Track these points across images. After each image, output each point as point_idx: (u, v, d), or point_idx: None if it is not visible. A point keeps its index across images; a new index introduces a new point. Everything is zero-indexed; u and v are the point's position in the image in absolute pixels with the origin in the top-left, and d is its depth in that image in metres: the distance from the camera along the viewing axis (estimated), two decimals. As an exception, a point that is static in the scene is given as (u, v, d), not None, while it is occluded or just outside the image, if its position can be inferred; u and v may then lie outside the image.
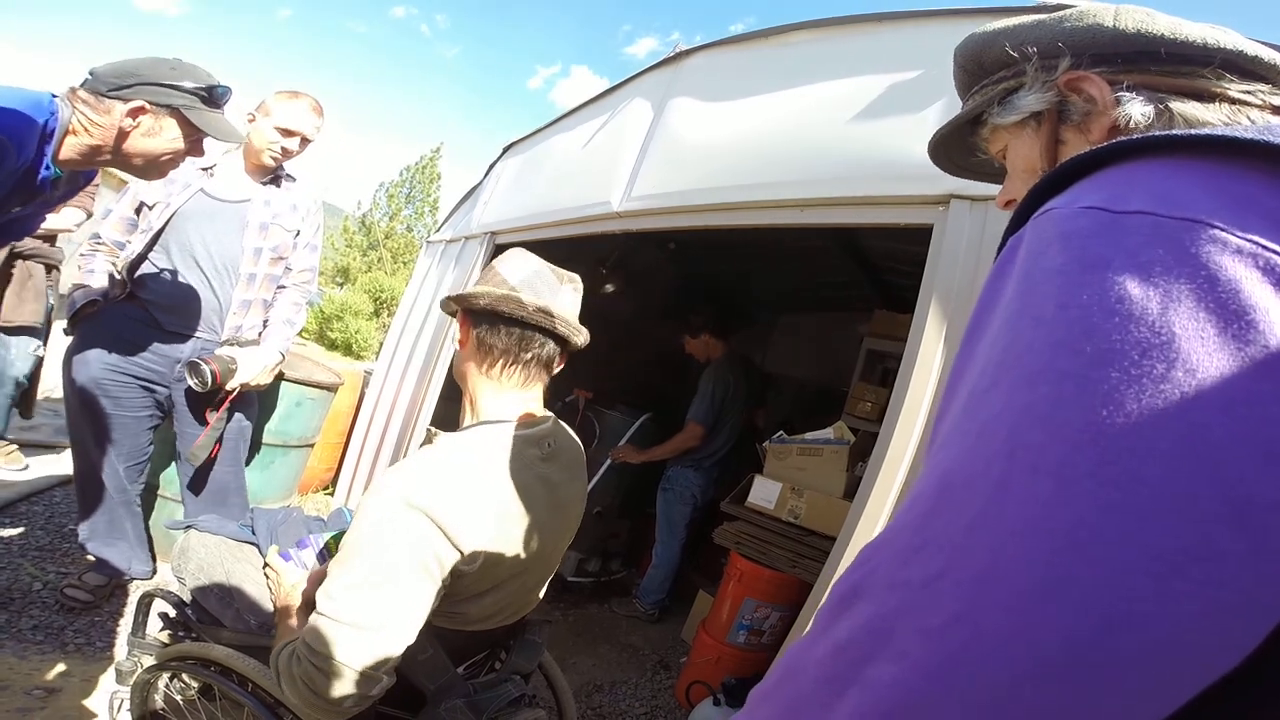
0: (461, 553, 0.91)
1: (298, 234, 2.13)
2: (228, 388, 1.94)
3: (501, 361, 1.08)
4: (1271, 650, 0.30)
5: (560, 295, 1.12)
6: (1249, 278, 0.29)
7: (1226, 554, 0.27)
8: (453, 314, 1.17)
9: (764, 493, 2.52)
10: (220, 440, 2.07)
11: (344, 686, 0.84)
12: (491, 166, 3.70)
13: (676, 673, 2.69)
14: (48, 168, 1.23)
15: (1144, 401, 0.29)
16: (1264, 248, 0.30)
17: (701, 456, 3.17)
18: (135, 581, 2.16)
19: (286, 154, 2.05)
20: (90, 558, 2.06)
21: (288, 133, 2.01)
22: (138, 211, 1.98)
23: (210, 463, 2.08)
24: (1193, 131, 0.36)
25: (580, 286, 1.18)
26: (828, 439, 2.52)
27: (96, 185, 2.68)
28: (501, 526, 0.98)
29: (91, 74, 1.29)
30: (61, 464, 3.02)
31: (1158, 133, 0.38)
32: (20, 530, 2.37)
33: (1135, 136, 0.38)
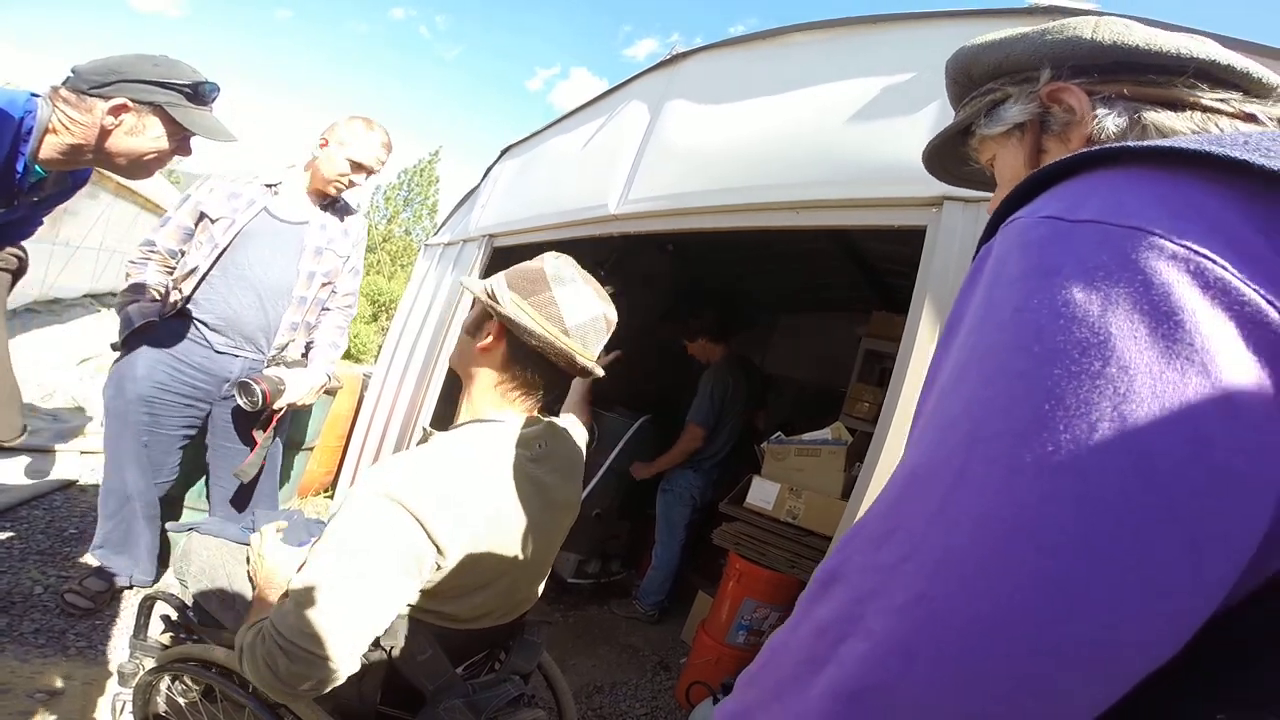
0: (440, 549, 0.91)
1: (347, 259, 2.15)
2: (275, 407, 1.95)
3: (519, 390, 1.08)
4: (1205, 643, 0.32)
5: (600, 343, 1.10)
6: (1180, 281, 0.31)
7: (1156, 539, 0.29)
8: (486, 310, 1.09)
9: (762, 493, 2.53)
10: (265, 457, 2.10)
11: (304, 670, 0.85)
12: (489, 169, 3.71)
13: (676, 673, 2.69)
14: (25, 168, 1.21)
15: (1081, 396, 0.31)
16: (1196, 253, 0.32)
17: (702, 458, 3.18)
18: (136, 586, 2.17)
19: (351, 185, 2.06)
20: (93, 563, 2.07)
21: (358, 167, 2.02)
22: (198, 222, 1.97)
23: (254, 479, 2.10)
24: (1145, 143, 0.38)
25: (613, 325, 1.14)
26: (825, 439, 2.53)
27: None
28: (487, 526, 0.98)
29: (74, 72, 1.27)
30: (61, 468, 3.03)
31: (1114, 144, 0.40)
32: (21, 534, 2.38)
33: (1097, 148, 0.40)
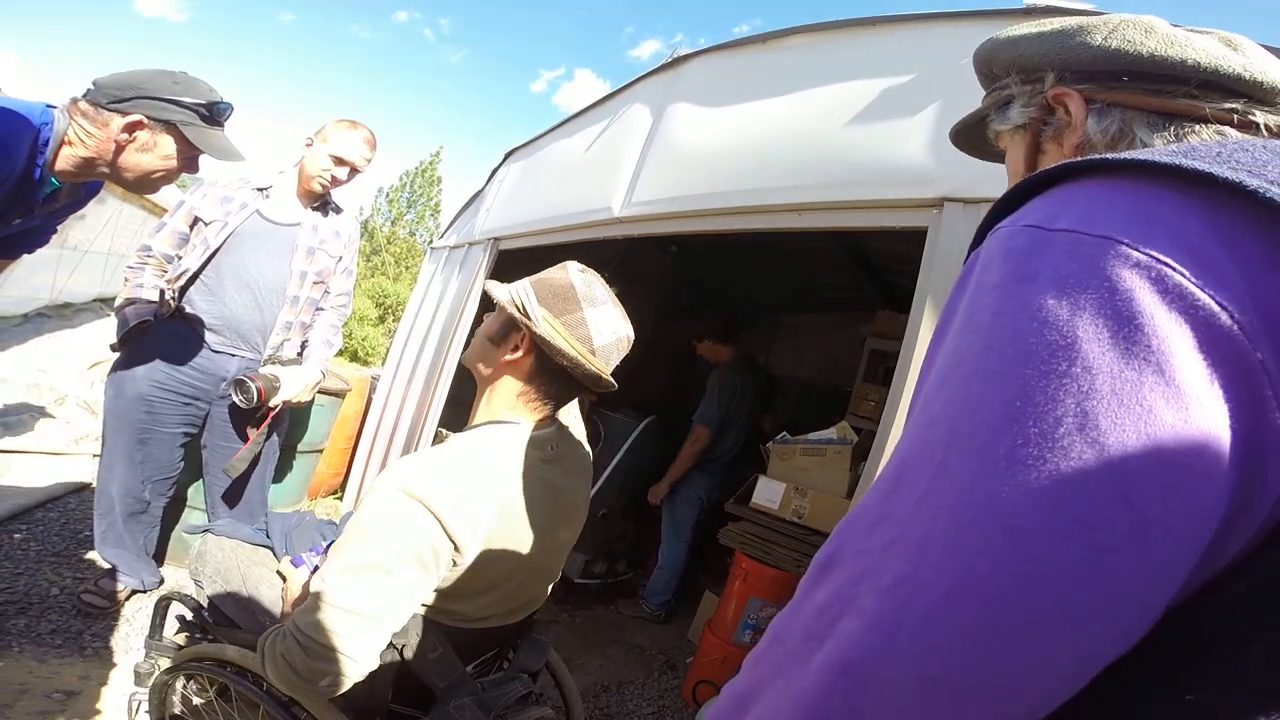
0: (457, 546, 0.93)
1: (339, 260, 2.20)
2: (270, 404, 1.98)
3: (540, 400, 1.11)
4: (1170, 630, 0.34)
5: (619, 359, 1.14)
6: (1142, 288, 0.34)
7: (1113, 522, 0.32)
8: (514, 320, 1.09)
9: (768, 493, 2.55)
10: (258, 455, 2.13)
11: (321, 666, 0.86)
12: (494, 172, 3.74)
13: (683, 673, 2.71)
14: (41, 178, 1.23)
15: (1049, 394, 0.34)
16: (1159, 261, 0.34)
17: (709, 459, 3.18)
18: (148, 589, 2.20)
19: (335, 182, 2.09)
20: (105, 564, 2.10)
21: (340, 161, 2.06)
22: (192, 226, 2.01)
23: (245, 476, 2.13)
24: (1120, 155, 0.40)
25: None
26: (830, 439, 2.54)
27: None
28: (500, 524, 1.00)
29: (94, 84, 1.29)
30: (74, 471, 3.07)
31: (1095, 156, 0.42)
32: (37, 536, 2.41)
33: (1079, 159, 0.42)
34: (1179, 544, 0.32)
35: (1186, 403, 0.32)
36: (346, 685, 0.89)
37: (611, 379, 1.12)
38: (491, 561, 0.99)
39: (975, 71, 0.72)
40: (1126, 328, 0.33)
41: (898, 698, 0.34)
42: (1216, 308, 0.32)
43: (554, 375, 1.09)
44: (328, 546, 1.34)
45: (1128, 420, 0.32)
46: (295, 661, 0.87)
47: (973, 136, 0.77)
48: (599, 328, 1.08)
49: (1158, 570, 0.33)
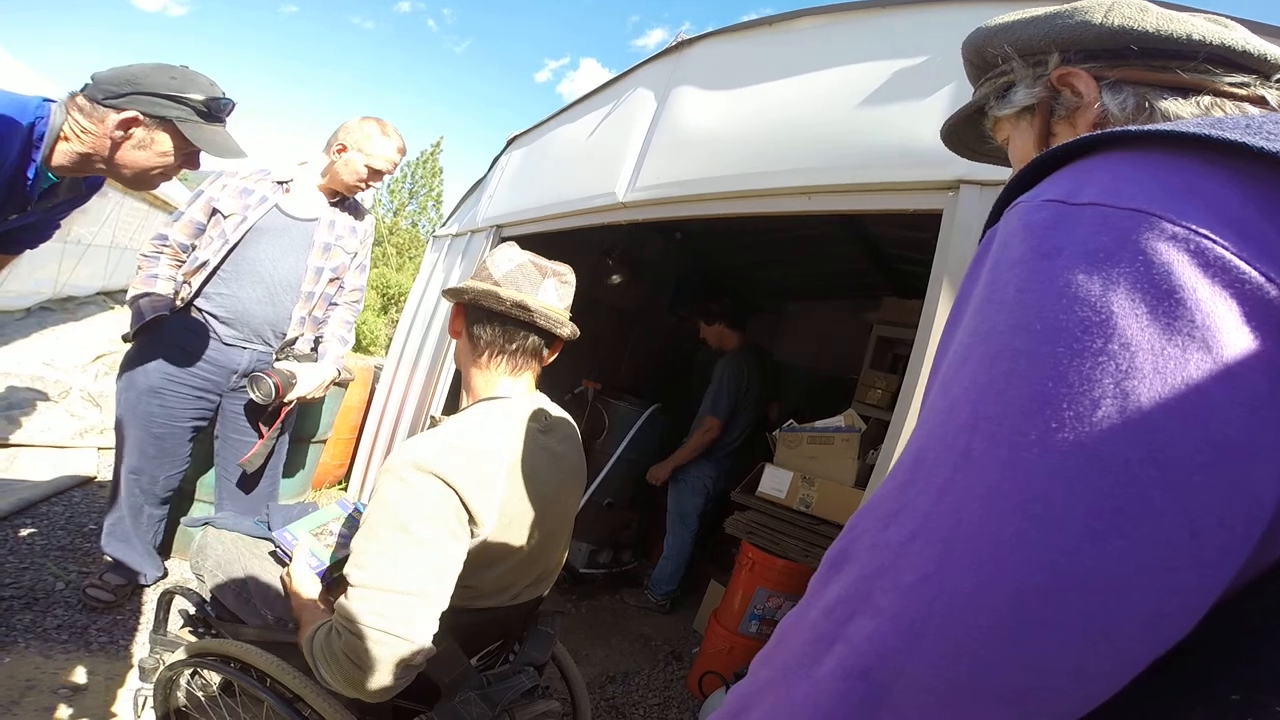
0: (472, 513, 0.94)
1: (354, 255, 2.19)
2: (286, 400, 1.98)
3: (488, 352, 1.14)
4: (1220, 625, 0.32)
5: (542, 290, 1.16)
6: (1180, 260, 0.32)
7: (1161, 511, 0.29)
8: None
9: (775, 482, 2.53)
10: (272, 449, 2.14)
11: (388, 652, 0.86)
12: (496, 159, 3.69)
13: (689, 663, 2.70)
14: (36, 174, 1.20)
15: (1084, 374, 0.32)
16: (1196, 233, 0.32)
17: (716, 448, 3.16)
18: (152, 583, 2.20)
19: (367, 188, 2.12)
20: (108, 558, 2.10)
21: (376, 174, 2.08)
22: (209, 217, 2.00)
23: (259, 470, 2.14)
24: (1145, 127, 0.38)
25: (569, 278, 1.21)
26: (838, 427, 2.51)
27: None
28: (511, 491, 1.01)
29: (92, 79, 1.26)
30: (79, 465, 3.07)
31: (1116, 129, 0.40)
32: (42, 530, 2.41)
33: (1099, 132, 0.40)
34: (1231, 534, 0.30)
35: (1235, 381, 0.30)
36: (412, 672, 0.89)
37: (549, 311, 1.14)
38: (507, 525, 1.01)
39: (964, 62, 0.70)
40: (1166, 302, 0.31)
41: (922, 703, 0.32)
42: (1262, 280, 0.31)
43: (482, 320, 1.14)
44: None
45: (1173, 400, 0.30)
46: (360, 655, 0.85)
47: (964, 134, 0.76)
48: (496, 263, 1.17)
49: (1208, 563, 0.30)
